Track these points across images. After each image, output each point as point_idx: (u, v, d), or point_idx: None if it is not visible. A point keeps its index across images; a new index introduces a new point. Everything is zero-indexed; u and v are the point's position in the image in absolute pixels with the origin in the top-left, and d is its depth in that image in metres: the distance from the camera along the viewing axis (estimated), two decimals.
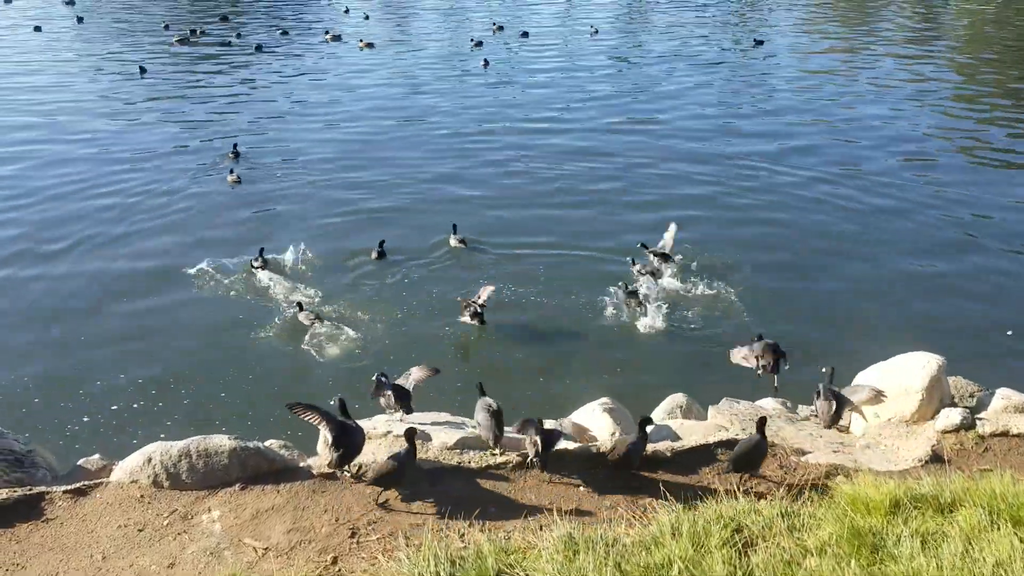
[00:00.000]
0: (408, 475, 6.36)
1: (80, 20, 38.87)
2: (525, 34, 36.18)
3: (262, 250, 14.31)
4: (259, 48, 32.63)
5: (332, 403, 7.11)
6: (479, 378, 7.84)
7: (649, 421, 6.76)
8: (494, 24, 37.78)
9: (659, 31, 38.09)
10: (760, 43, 33.59)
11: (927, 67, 29.64)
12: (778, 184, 18.10)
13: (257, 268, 14.03)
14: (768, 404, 8.37)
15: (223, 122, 23.09)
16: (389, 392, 7.87)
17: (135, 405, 10.52)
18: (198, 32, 35.80)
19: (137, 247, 15.21)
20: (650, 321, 12.32)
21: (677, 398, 8.19)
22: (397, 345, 11.84)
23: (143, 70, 28.19)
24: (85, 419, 10.22)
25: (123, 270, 14.33)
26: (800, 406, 8.53)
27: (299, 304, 12.67)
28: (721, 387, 7.78)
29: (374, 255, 14.45)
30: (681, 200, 17.18)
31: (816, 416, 7.48)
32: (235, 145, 20.19)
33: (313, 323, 12.22)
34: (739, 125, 22.70)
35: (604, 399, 7.41)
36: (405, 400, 7.89)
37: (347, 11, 42.91)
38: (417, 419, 7.68)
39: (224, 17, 39.78)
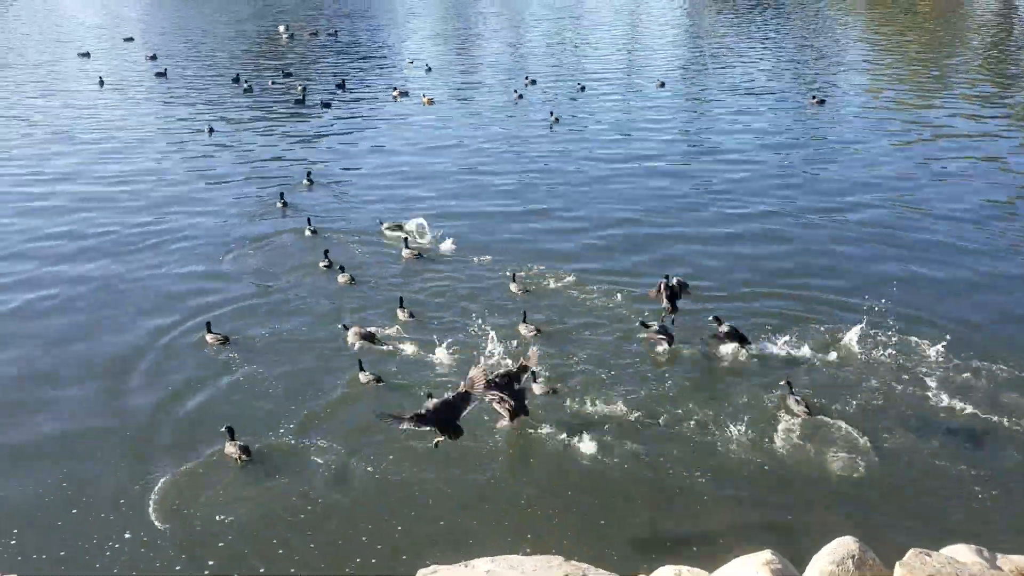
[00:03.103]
0: None
1: (163, 74, 39.07)
2: (582, 88, 35.36)
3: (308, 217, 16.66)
4: (326, 105, 32.33)
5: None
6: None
7: None
8: (527, 78, 37.12)
9: (728, 85, 36.84)
10: (822, 102, 31.72)
11: None
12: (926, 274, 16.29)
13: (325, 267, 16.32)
14: (963, 554, 6.77)
15: (280, 184, 22.31)
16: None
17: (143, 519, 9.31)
18: (271, 83, 36.40)
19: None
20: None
21: (847, 544, 6.66)
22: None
23: (211, 130, 28.01)
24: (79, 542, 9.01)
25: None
26: (998, 555, 6.92)
27: (207, 324, 13.38)
28: (903, 526, 6.23)
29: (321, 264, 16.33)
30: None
31: None
32: (308, 173, 22.29)
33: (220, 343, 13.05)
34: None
35: (766, 555, 5.95)
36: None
37: (412, 62, 42.93)
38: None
39: (286, 72, 39.62)
